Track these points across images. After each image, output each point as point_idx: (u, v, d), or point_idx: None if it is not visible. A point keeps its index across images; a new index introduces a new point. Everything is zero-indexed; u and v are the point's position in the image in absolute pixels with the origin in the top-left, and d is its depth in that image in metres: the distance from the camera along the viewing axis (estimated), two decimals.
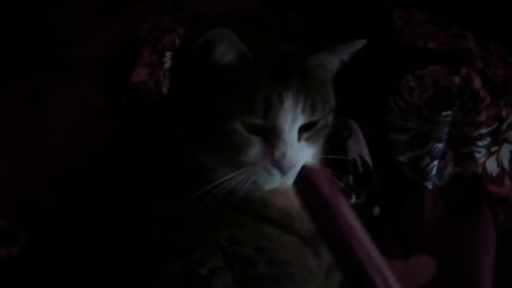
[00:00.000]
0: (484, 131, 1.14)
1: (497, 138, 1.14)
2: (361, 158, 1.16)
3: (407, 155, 1.15)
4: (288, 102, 0.80)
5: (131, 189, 0.85)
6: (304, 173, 0.83)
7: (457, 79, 1.17)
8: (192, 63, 0.83)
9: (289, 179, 0.85)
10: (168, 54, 1.29)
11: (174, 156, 0.86)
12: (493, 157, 1.13)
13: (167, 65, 1.28)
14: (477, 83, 1.17)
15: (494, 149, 1.14)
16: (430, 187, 1.13)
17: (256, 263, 0.83)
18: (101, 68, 1.24)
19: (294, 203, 0.88)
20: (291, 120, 0.81)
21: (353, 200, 1.14)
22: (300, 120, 0.82)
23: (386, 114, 1.18)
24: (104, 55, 1.26)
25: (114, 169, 0.89)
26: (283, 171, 0.82)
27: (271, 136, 0.81)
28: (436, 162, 1.14)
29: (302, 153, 0.84)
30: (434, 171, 1.13)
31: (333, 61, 0.88)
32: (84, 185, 0.90)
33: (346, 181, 1.13)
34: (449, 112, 1.15)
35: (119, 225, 0.83)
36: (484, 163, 1.13)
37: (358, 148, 1.16)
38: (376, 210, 1.13)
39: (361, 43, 0.85)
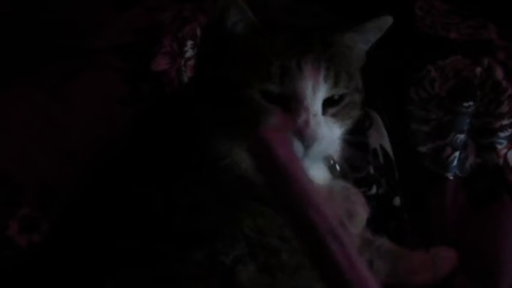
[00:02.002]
0: (505, 122, 1.13)
1: None
2: (382, 148, 1.15)
3: (429, 146, 1.15)
4: (308, 70, 0.80)
5: (154, 177, 0.85)
6: (259, 133, 0.77)
7: (478, 70, 1.16)
8: (212, 35, 0.85)
9: (312, 157, 0.84)
10: (190, 43, 1.28)
11: (196, 143, 0.86)
12: None
13: (188, 54, 1.28)
14: (499, 73, 1.16)
15: None
16: (451, 178, 1.12)
17: (279, 252, 0.83)
18: (122, 57, 1.24)
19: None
20: (312, 88, 0.80)
21: (374, 190, 1.13)
22: (323, 90, 0.82)
23: (407, 104, 1.18)
24: (125, 44, 1.26)
25: (137, 158, 0.89)
26: (306, 142, 0.81)
27: (292, 104, 0.81)
28: (457, 153, 1.13)
29: (328, 129, 0.84)
30: (455, 162, 1.13)
31: (359, 41, 0.88)
32: (108, 173, 0.91)
33: (367, 172, 1.13)
34: (470, 103, 1.15)
35: (141, 213, 0.83)
36: (505, 154, 1.12)
37: (379, 138, 1.16)
38: (397, 201, 1.13)
39: (387, 20, 0.85)
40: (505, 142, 1.13)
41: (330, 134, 0.85)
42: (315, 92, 0.81)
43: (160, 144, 0.89)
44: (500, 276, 1.02)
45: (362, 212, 1.07)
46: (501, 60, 1.18)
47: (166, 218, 0.82)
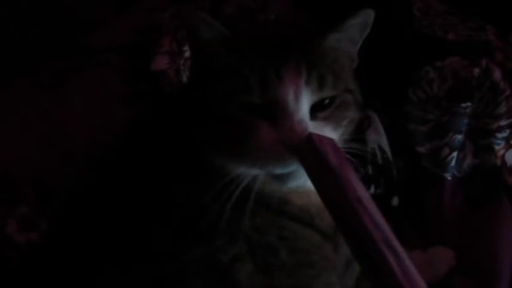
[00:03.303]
0: (503, 122, 1.14)
1: None
2: (380, 148, 1.16)
3: (427, 146, 1.15)
4: (288, 76, 0.77)
5: (153, 177, 0.85)
6: (311, 140, 0.77)
7: (476, 71, 1.16)
8: (195, 56, 0.83)
9: None
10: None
11: (192, 149, 0.85)
12: None
13: (187, 54, 1.27)
14: (497, 74, 1.17)
15: None
16: (449, 178, 1.13)
17: (278, 251, 0.83)
18: (121, 56, 1.24)
19: (313, 200, 0.87)
20: (294, 94, 0.78)
21: (372, 190, 1.14)
22: (307, 95, 0.79)
23: (405, 105, 1.18)
24: (125, 43, 1.26)
25: (136, 158, 0.89)
26: None
27: (275, 114, 0.78)
28: (455, 154, 1.13)
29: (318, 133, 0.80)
30: (453, 163, 1.13)
31: (343, 40, 0.85)
32: (107, 171, 0.91)
33: (365, 171, 1.13)
34: (468, 103, 1.15)
35: (139, 211, 0.83)
36: (503, 155, 1.13)
37: (377, 139, 1.16)
38: (395, 201, 1.13)
39: (368, 14, 0.83)
40: (502, 143, 1.13)
41: None
42: (298, 98, 0.78)
43: (158, 145, 0.88)
44: (498, 276, 1.02)
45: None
46: (499, 61, 1.18)
47: (164, 217, 0.82)
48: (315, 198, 0.86)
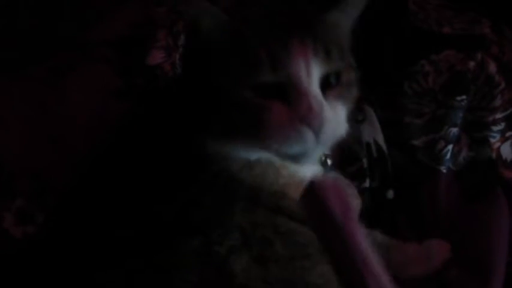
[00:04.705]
0: (498, 116, 1.14)
1: None
2: (375, 142, 1.16)
3: (422, 139, 1.15)
4: (296, 48, 0.77)
5: (149, 170, 0.86)
6: (313, 188, 0.77)
7: (472, 64, 1.17)
8: (191, 45, 0.83)
9: (324, 143, 0.83)
10: (184, 37, 1.29)
11: (190, 142, 0.85)
12: (508, 142, 1.14)
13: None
14: (492, 68, 1.17)
15: (508, 134, 1.14)
16: (444, 171, 1.13)
17: (273, 244, 0.83)
18: (117, 50, 1.24)
19: None
20: (305, 66, 0.78)
21: (367, 183, 1.14)
22: (316, 67, 0.79)
23: (401, 98, 1.18)
24: (121, 37, 1.26)
25: (132, 152, 0.89)
26: (315, 129, 0.78)
27: (289, 92, 0.78)
28: (450, 147, 1.14)
29: (333, 111, 0.81)
30: (448, 156, 1.14)
31: (343, 19, 0.86)
32: (104, 165, 0.91)
33: (360, 165, 1.13)
34: (464, 97, 1.15)
35: (136, 204, 0.83)
36: (498, 148, 1.13)
37: (373, 132, 1.16)
38: (390, 194, 1.14)
39: None
40: (498, 136, 1.14)
41: (336, 116, 0.82)
42: (309, 72, 0.78)
43: (154, 139, 0.89)
44: (493, 269, 1.03)
45: (354, 204, 1.08)
46: (494, 54, 1.18)
47: (160, 209, 0.82)
48: None
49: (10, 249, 1.04)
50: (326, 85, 0.81)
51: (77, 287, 0.81)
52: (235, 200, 0.83)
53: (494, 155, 1.13)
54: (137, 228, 0.81)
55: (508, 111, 1.14)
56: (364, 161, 1.14)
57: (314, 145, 0.81)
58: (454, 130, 1.14)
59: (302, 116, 0.78)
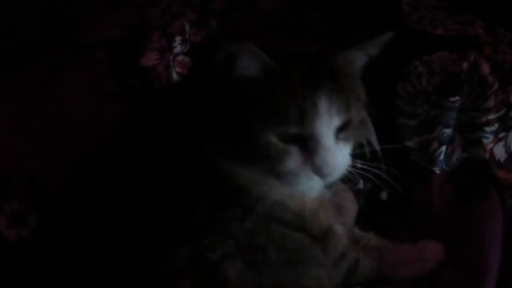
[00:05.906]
0: (492, 116, 1.14)
1: (505, 124, 1.14)
2: (369, 143, 1.16)
3: (416, 140, 1.16)
4: (322, 106, 0.78)
5: (144, 175, 0.85)
6: None
7: (465, 65, 1.17)
8: (213, 76, 0.80)
9: (330, 181, 0.86)
10: (178, 38, 1.28)
11: (193, 156, 0.85)
12: (501, 143, 1.14)
13: (177, 49, 1.27)
14: (485, 68, 1.17)
15: (502, 135, 1.14)
16: (438, 172, 1.14)
17: (266, 250, 0.85)
18: (111, 52, 1.24)
19: (307, 204, 0.89)
20: (327, 123, 0.79)
21: (361, 185, 1.14)
22: (335, 122, 0.80)
23: (394, 99, 1.19)
24: (115, 39, 1.26)
25: (127, 155, 0.89)
26: (325, 176, 0.82)
27: (309, 143, 0.80)
28: (444, 148, 1.14)
29: (341, 155, 0.83)
30: (442, 157, 1.14)
31: (361, 57, 0.87)
32: (97, 168, 0.91)
33: (354, 166, 1.13)
34: (457, 98, 1.15)
35: (129, 209, 0.83)
36: (491, 149, 1.13)
37: (366, 133, 1.16)
38: (384, 195, 1.14)
39: (388, 36, 0.84)
40: (491, 137, 1.14)
41: (343, 158, 0.84)
42: (329, 126, 0.80)
43: (150, 144, 0.88)
44: (486, 269, 1.02)
45: (351, 207, 1.08)
46: (487, 55, 1.19)
47: (154, 216, 0.83)
48: (310, 203, 0.89)
49: (4, 251, 1.04)
50: (339, 129, 0.82)
51: None
52: (229, 207, 0.84)
53: (487, 155, 1.13)
54: (130, 235, 0.82)
55: (501, 112, 1.14)
56: (358, 162, 1.14)
57: (320, 185, 0.86)
58: (448, 131, 1.14)
59: (316, 166, 0.80)
